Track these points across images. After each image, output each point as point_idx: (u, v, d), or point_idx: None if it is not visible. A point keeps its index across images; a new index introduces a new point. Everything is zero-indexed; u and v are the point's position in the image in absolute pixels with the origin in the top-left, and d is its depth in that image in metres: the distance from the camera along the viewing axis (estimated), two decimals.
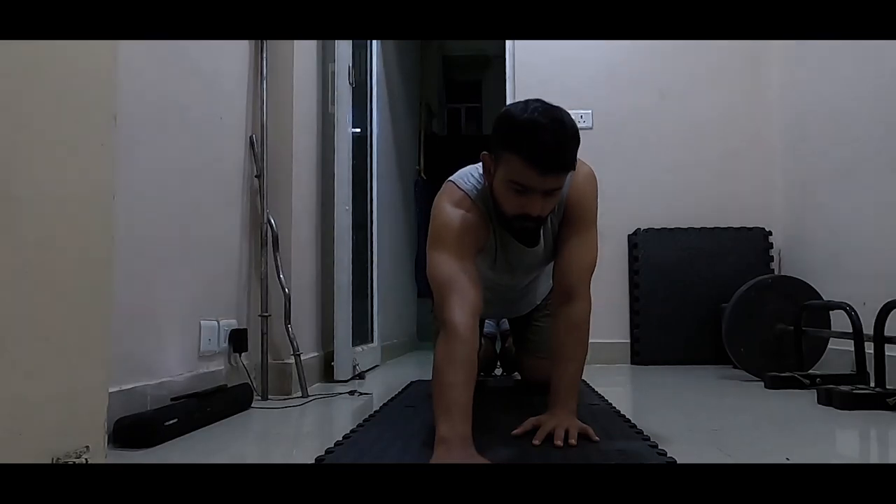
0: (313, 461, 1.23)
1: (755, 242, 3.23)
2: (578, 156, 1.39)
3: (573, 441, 1.31)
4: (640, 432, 1.45)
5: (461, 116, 7.96)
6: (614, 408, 1.81)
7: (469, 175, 1.53)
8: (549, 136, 1.28)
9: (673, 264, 3.23)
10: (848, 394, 1.84)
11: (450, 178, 1.56)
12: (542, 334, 2.08)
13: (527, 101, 1.35)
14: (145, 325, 1.64)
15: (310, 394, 2.20)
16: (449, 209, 1.46)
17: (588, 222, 1.54)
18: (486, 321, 2.54)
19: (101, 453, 1.03)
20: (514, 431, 1.39)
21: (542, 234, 1.57)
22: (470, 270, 1.38)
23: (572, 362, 1.47)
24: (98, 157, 1.05)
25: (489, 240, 1.54)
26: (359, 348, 2.91)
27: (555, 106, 1.34)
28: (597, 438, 1.34)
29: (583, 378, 2.49)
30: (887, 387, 1.95)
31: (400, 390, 2.21)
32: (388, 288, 3.90)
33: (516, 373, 2.48)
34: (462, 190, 1.49)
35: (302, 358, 2.25)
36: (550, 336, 1.52)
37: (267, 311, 2.22)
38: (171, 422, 1.49)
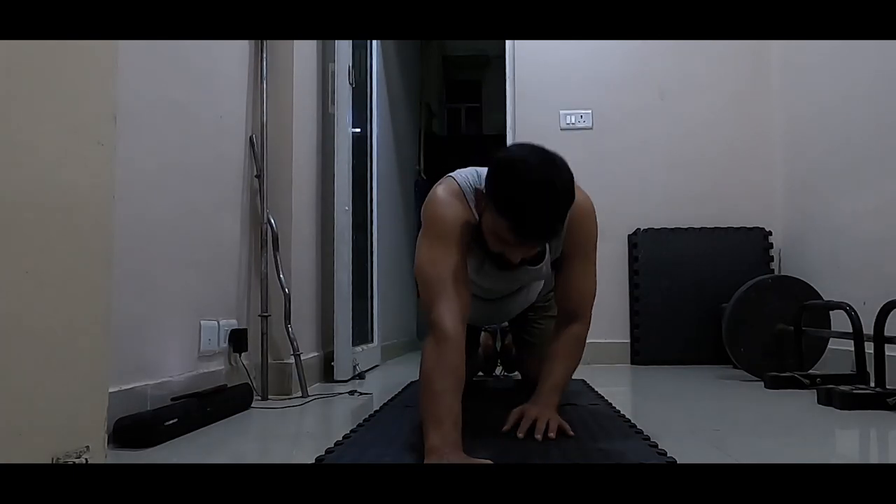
0: (313, 461, 1.23)
1: (755, 242, 3.23)
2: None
3: (552, 434, 1.35)
4: (640, 432, 1.45)
5: (461, 116, 7.96)
6: (614, 408, 1.81)
7: (470, 174, 1.51)
8: (537, 213, 1.24)
9: (673, 264, 3.24)
10: (848, 394, 1.84)
11: (450, 173, 1.53)
12: (544, 335, 2.04)
13: (527, 159, 1.26)
14: (145, 325, 1.64)
15: (310, 394, 2.20)
16: (444, 200, 1.44)
17: (587, 252, 1.56)
18: None
19: (101, 453, 1.03)
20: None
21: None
22: (460, 269, 1.36)
23: (563, 362, 1.52)
24: (98, 156, 1.05)
25: (475, 248, 1.49)
26: (359, 348, 2.91)
27: (554, 164, 1.26)
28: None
29: (583, 378, 2.53)
30: (887, 387, 1.95)
31: (400, 390, 2.21)
32: (388, 288, 3.90)
33: (517, 372, 2.48)
34: (460, 187, 1.47)
35: (302, 358, 2.25)
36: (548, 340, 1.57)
37: (267, 311, 2.21)
38: (171, 422, 1.49)
